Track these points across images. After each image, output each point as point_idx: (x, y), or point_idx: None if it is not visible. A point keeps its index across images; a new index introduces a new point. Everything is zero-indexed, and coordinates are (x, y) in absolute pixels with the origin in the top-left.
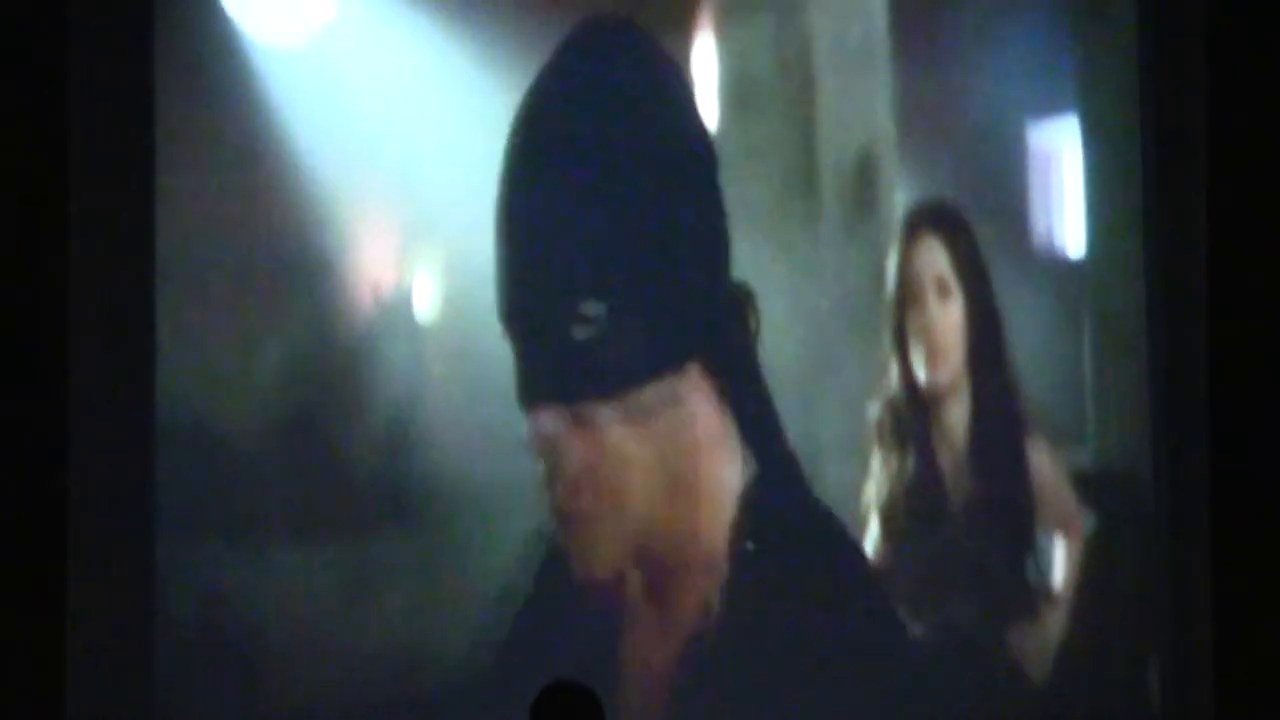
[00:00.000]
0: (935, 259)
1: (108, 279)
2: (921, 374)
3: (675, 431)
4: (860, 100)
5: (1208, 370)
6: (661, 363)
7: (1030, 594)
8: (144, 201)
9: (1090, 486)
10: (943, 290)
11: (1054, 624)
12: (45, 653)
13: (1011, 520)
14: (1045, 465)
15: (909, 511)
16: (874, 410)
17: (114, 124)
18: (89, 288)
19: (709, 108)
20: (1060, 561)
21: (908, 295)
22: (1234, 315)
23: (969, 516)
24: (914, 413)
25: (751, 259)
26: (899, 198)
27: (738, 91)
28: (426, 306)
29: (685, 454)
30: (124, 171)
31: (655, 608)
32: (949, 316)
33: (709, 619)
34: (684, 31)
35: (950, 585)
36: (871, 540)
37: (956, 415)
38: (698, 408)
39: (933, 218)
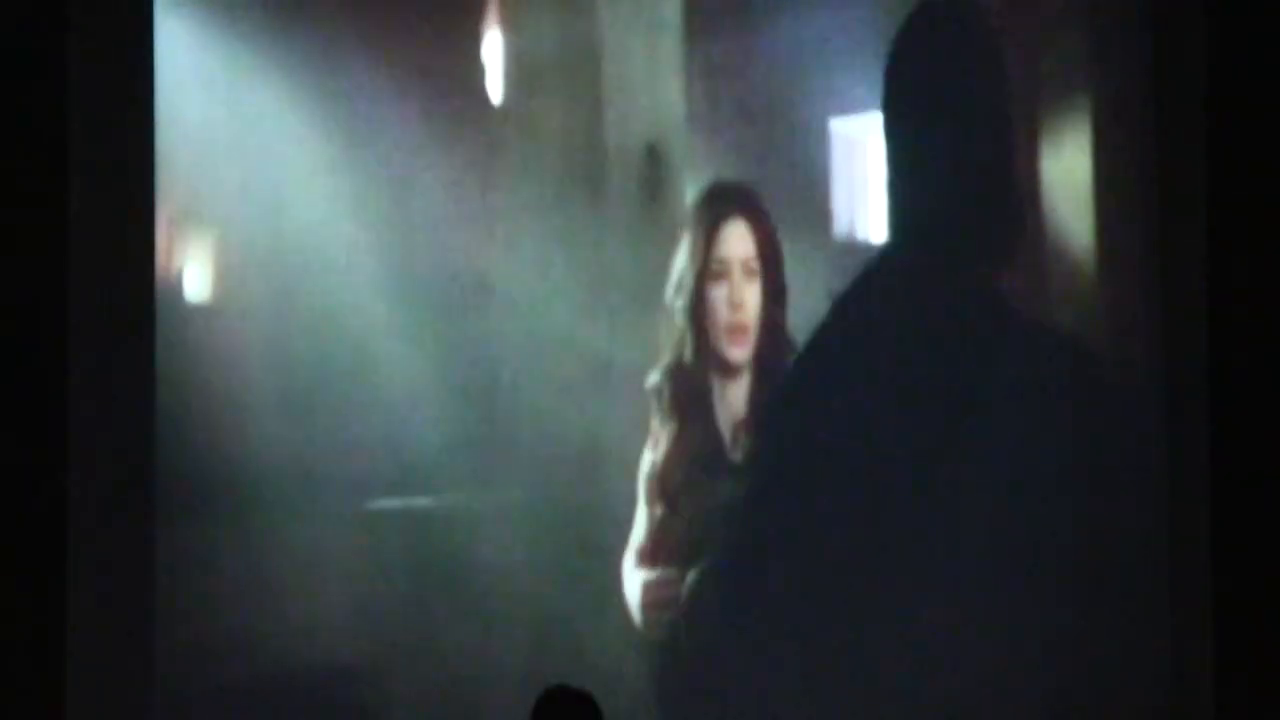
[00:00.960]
0: (745, 242)
1: (108, 280)
2: (723, 350)
3: None
4: (650, 83)
5: (1208, 368)
6: None
7: None
8: (144, 201)
9: None
10: (749, 272)
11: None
12: (45, 653)
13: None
14: None
15: (687, 473)
16: (654, 379)
17: (114, 124)
18: (89, 288)
19: (494, 88)
20: None
21: (712, 274)
22: (1234, 315)
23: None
24: (700, 384)
25: (535, 240)
26: (687, 181)
27: (523, 72)
28: None
29: None
30: (124, 168)
31: None
32: (753, 296)
33: None
34: (471, 9)
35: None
36: (651, 500)
37: (740, 388)
38: None
39: (742, 201)
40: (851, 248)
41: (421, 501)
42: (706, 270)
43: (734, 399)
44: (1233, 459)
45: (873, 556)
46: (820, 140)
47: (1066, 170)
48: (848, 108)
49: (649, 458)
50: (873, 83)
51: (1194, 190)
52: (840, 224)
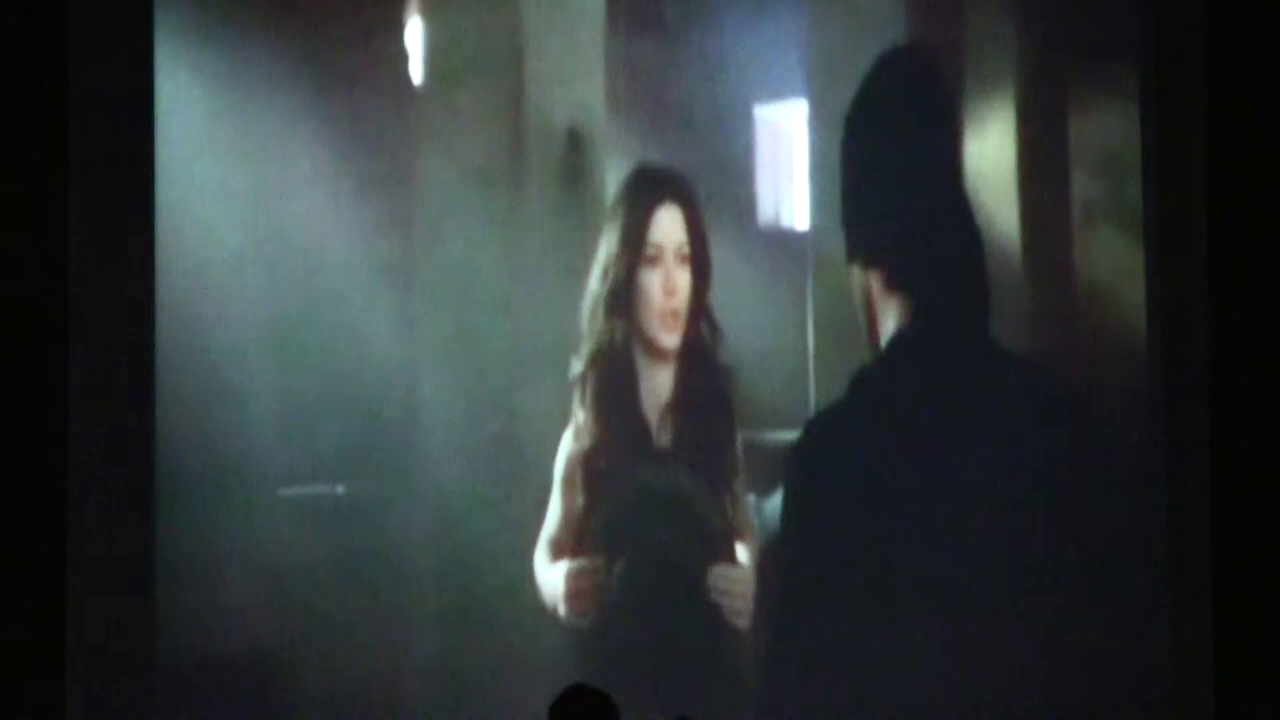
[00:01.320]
0: (678, 227)
1: (108, 280)
2: (655, 335)
3: None
4: (571, 70)
5: (1208, 368)
6: None
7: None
8: (144, 201)
9: None
10: (681, 257)
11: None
12: (45, 653)
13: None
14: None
15: (612, 460)
16: (577, 366)
17: (114, 124)
18: (89, 288)
19: (416, 73)
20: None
21: (646, 259)
22: (1234, 315)
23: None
24: (626, 370)
25: (455, 225)
26: (608, 167)
27: (444, 59)
28: None
29: None
30: (124, 168)
31: None
32: (685, 282)
33: None
34: None
35: (652, 524)
36: (570, 488)
37: (667, 373)
38: None
39: (673, 186)
40: (777, 233)
41: (339, 489)
42: (640, 255)
43: (660, 384)
44: (1233, 459)
45: (872, 555)
46: (744, 126)
47: (1065, 171)
48: (772, 94)
49: (570, 447)
50: (798, 70)
51: (1194, 190)
52: (765, 209)
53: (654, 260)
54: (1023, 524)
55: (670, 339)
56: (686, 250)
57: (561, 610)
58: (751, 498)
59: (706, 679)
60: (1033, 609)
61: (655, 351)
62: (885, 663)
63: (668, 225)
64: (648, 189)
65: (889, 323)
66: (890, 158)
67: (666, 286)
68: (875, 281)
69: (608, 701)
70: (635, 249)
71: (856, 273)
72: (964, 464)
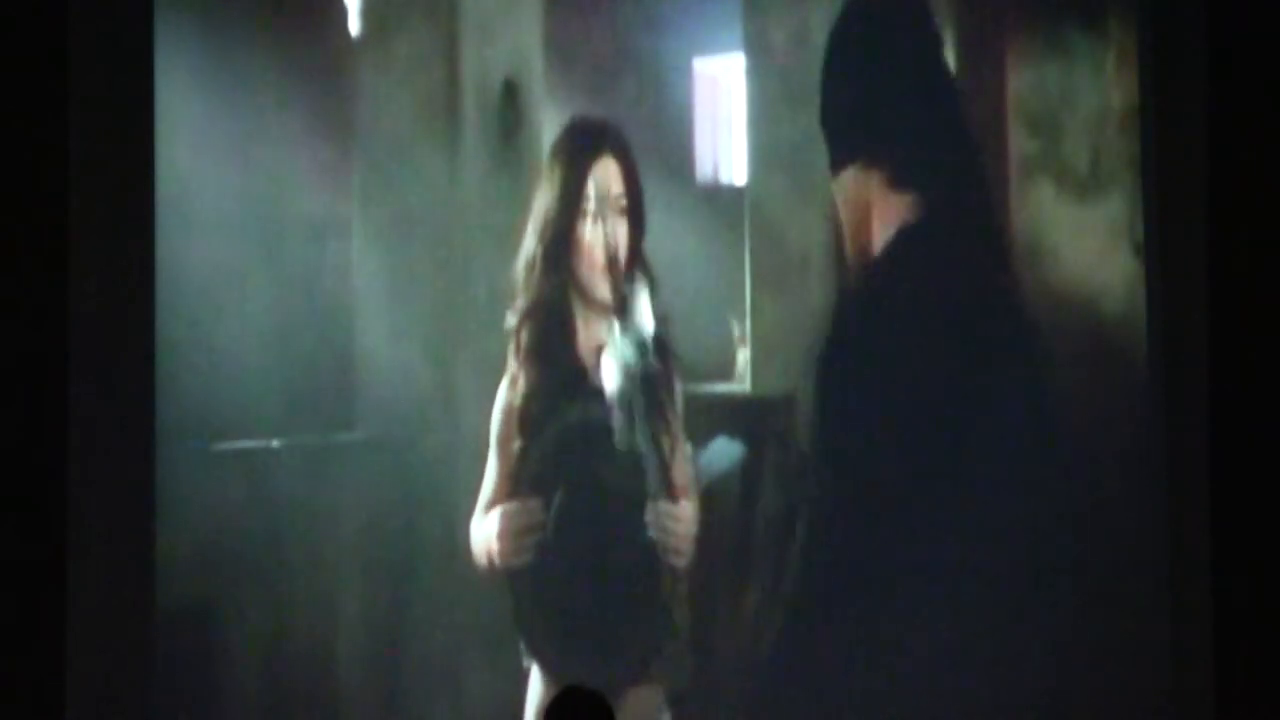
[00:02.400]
0: (616, 179)
1: (108, 280)
2: (593, 288)
3: None
4: (508, 21)
5: (1209, 360)
6: None
7: (664, 472)
8: (144, 201)
9: (740, 415)
10: (620, 209)
11: None
12: (45, 653)
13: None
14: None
15: (547, 403)
16: (511, 319)
17: (114, 124)
18: (89, 288)
19: (352, 24)
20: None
21: (585, 212)
22: (1234, 314)
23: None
24: (564, 321)
25: (390, 177)
26: (545, 119)
27: (378, 6)
28: None
29: None
30: (124, 168)
31: None
32: (623, 235)
33: None
34: None
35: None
36: (507, 437)
37: (603, 321)
38: None
39: (611, 139)
40: (714, 186)
41: (273, 444)
42: (579, 210)
43: (597, 333)
44: (1233, 459)
45: (870, 552)
46: (682, 79)
47: (1064, 169)
48: (710, 47)
49: (506, 398)
50: (735, 23)
51: (1194, 189)
52: (703, 162)
53: (594, 214)
54: (1021, 524)
55: (609, 291)
56: (624, 202)
57: (495, 550)
58: (688, 448)
59: (640, 617)
60: (1032, 608)
61: (593, 304)
62: (879, 660)
63: (607, 177)
64: (584, 142)
65: (893, 222)
66: (877, 69)
67: (606, 240)
68: (876, 181)
69: (603, 703)
70: (573, 204)
71: (849, 180)
72: (958, 455)
